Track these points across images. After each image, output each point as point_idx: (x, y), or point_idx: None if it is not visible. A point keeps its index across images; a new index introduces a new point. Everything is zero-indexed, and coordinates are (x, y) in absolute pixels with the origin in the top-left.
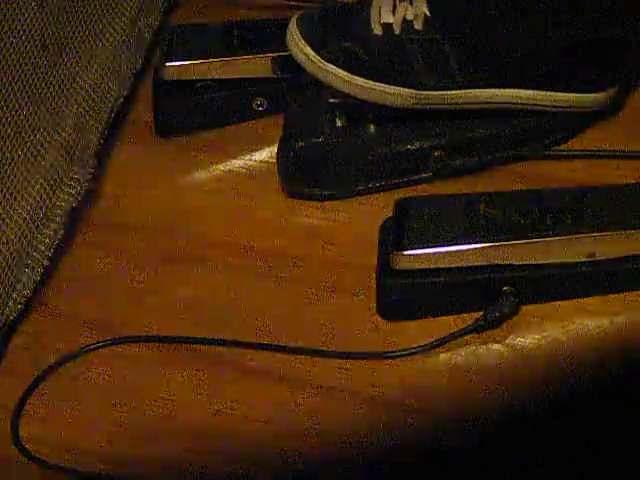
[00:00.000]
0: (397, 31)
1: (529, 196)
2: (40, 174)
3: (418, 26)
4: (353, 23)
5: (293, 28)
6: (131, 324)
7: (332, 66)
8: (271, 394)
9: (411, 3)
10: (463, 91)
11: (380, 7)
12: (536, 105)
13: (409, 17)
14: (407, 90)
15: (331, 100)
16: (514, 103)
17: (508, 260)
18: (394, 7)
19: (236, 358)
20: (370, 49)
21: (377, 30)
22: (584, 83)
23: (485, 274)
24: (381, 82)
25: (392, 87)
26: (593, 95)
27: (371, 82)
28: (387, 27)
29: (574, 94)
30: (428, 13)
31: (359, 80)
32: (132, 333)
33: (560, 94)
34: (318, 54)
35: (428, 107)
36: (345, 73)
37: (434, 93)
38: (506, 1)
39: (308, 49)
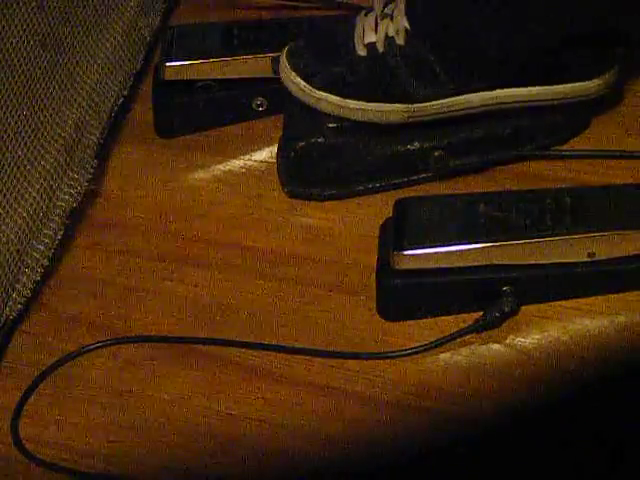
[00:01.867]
0: (381, 49)
1: (529, 196)
2: (40, 174)
3: (400, 41)
4: (339, 47)
5: (283, 60)
6: (131, 324)
7: (323, 93)
8: (271, 394)
9: (392, 19)
10: (455, 98)
11: (363, 27)
12: (531, 101)
13: (391, 33)
14: (400, 105)
15: (329, 125)
16: (509, 102)
17: (508, 260)
18: (376, 25)
19: (236, 358)
20: (356, 71)
21: (361, 51)
22: (581, 72)
23: (485, 274)
24: (373, 102)
25: (385, 105)
26: (591, 82)
27: (363, 103)
28: (371, 46)
29: (569, 84)
30: (408, 27)
31: (351, 103)
32: (132, 333)
33: (554, 87)
34: (309, 83)
35: (423, 119)
36: (337, 98)
37: (426, 104)
38: (484, 3)
39: (299, 80)
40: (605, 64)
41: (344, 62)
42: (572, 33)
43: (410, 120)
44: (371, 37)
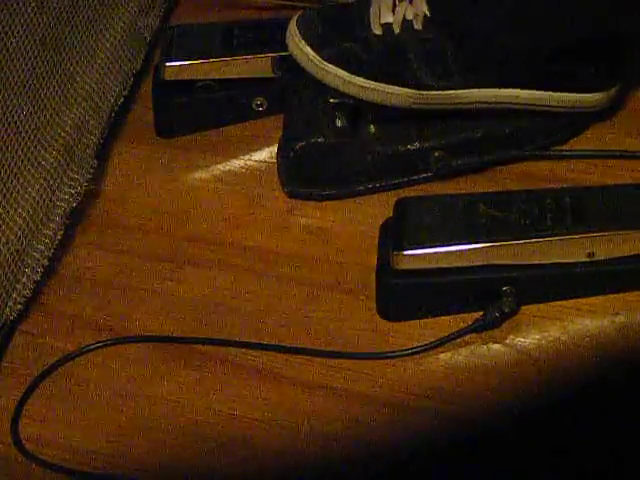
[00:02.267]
0: (397, 31)
1: (529, 196)
2: (40, 174)
3: (418, 26)
4: (353, 23)
5: (293, 28)
6: (131, 324)
7: (332, 66)
8: (271, 394)
9: (411, 3)
10: (462, 91)
11: (380, 7)
12: (536, 105)
13: (409, 17)
14: (406, 90)
15: (331, 100)
16: (514, 103)
17: (508, 260)
18: (394, 7)
19: (236, 358)
20: (370, 49)
21: (377, 30)
22: (584, 83)
23: (485, 274)
24: (381, 82)
25: (391, 87)
26: (593, 95)
27: (371, 82)
28: (387, 27)
29: (574, 94)
30: (428, 13)
31: (359, 80)
32: (132, 333)
33: (560, 94)
34: (318, 54)
35: (427, 107)
36: (345, 73)
37: (433, 93)
38: (506, 0)
39: (308, 49)
40: (609, 80)
41: (358, 38)
42: (573, 34)
43: (413, 107)
44: (388, 17)
